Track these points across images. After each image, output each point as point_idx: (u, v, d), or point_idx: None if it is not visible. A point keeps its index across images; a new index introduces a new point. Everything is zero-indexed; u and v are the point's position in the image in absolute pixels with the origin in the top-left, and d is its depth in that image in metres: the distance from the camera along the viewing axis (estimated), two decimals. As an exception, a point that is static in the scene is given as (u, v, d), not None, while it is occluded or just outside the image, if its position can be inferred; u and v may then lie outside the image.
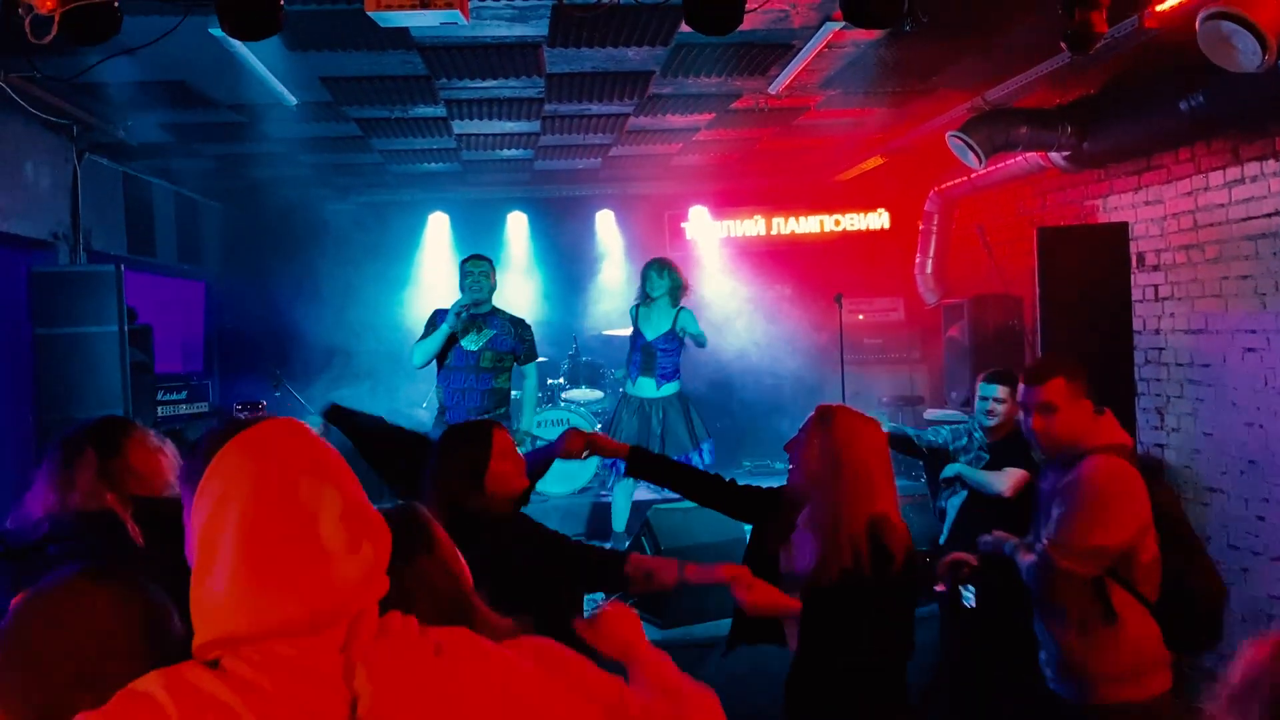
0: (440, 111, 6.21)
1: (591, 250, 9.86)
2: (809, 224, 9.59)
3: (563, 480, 7.64)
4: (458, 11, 3.42)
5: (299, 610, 1.18)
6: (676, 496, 3.52)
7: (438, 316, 5.59)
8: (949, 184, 8.02)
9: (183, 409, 7.51)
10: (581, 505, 7.38)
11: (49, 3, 3.24)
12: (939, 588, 3.21)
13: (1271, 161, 4.93)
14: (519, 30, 4.60)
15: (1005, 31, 4.72)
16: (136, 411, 5.68)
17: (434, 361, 5.65)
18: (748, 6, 3.57)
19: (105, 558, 1.94)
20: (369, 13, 3.43)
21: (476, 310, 5.52)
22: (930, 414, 7.39)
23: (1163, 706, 2.84)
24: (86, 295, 5.53)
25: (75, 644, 1.27)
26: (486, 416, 5.53)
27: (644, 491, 6.94)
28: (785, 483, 2.88)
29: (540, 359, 6.15)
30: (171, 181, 8.04)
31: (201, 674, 1.15)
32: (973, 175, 7.37)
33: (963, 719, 4.12)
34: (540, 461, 3.17)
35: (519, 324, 5.73)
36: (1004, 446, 4.25)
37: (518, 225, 9.93)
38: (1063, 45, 3.80)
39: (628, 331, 6.78)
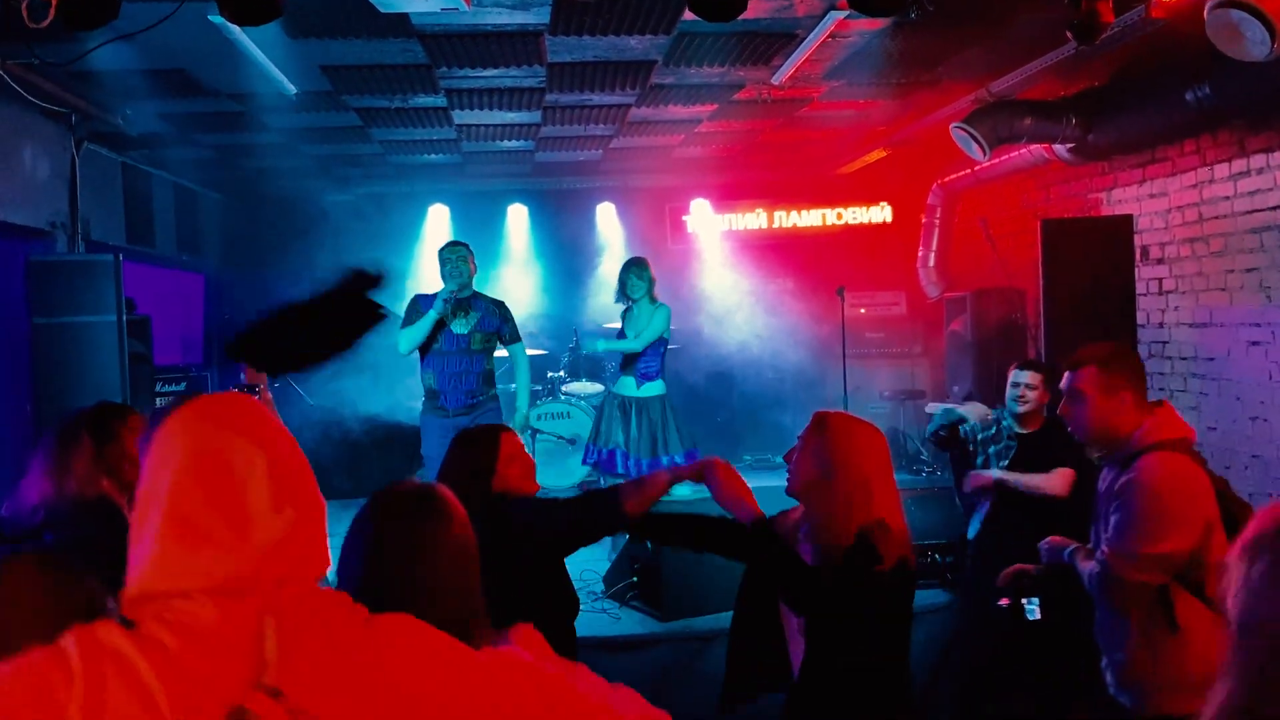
0: (441, 101, 6.18)
1: (592, 243, 9.80)
2: (811, 217, 9.55)
3: (560, 474, 7.65)
4: (459, -3, 3.40)
5: (215, 568, 1.23)
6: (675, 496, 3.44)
7: (420, 302, 5.63)
8: (952, 177, 8.00)
9: (182, 400, 7.47)
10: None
11: (46, -14, 3.21)
12: (1002, 601, 3.09)
13: (1278, 153, 4.91)
14: (520, 18, 4.57)
15: (1010, 21, 4.69)
16: (135, 403, 5.64)
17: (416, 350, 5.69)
18: (752, -7, 3.55)
19: (101, 544, 1.93)
20: (370, -2, 3.41)
21: (460, 295, 5.56)
22: (931, 408, 7.37)
23: None
24: (84, 284, 5.50)
25: (5, 619, 1.31)
26: (480, 399, 5.65)
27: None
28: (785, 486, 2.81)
29: (541, 351, 6.13)
30: (171, 171, 8.01)
31: (113, 630, 1.19)
32: (976, 168, 7.35)
33: None
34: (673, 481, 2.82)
35: (499, 305, 5.83)
36: (1035, 439, 4.17)
37: (518, 218, 9.89)
38: (1068, 35, 3.77)
39: None
